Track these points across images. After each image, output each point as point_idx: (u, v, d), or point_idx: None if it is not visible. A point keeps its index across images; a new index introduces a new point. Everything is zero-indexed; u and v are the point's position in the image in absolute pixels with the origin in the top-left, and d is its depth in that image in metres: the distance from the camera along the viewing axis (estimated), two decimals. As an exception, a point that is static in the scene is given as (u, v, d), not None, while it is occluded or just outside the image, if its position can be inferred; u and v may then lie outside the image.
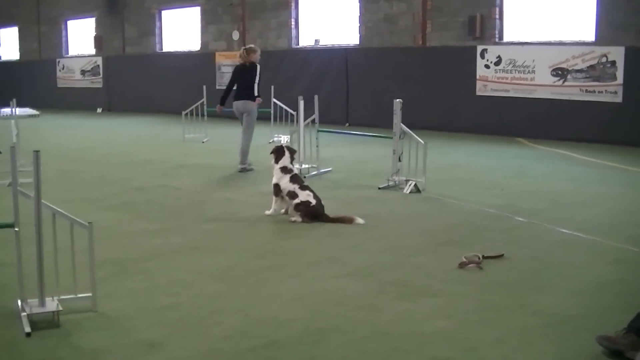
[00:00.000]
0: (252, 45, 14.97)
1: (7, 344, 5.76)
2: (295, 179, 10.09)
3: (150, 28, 28.93)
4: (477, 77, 19.51)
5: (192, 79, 24.74)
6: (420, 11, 20.81)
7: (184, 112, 19.08)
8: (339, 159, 14.68)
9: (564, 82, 18.20)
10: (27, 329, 5.90)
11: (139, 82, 28.68)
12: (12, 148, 6.11)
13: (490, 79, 19.39)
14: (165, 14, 28.68)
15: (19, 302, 6.28)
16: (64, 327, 6.05)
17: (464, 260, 7.51)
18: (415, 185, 11.46)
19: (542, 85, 18.55)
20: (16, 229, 6.07)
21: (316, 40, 23.85)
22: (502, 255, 7.85)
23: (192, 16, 27.56)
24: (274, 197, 10.12)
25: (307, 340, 5.69)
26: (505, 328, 5.88)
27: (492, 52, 19.35)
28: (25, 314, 6.09)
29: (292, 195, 9.83)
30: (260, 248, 8.49)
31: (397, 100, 11.80)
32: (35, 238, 6.04)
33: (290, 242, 8.75)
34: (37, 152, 5.87)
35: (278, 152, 10.44)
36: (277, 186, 10.07)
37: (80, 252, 6.31)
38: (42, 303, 6.17)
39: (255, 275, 7.42)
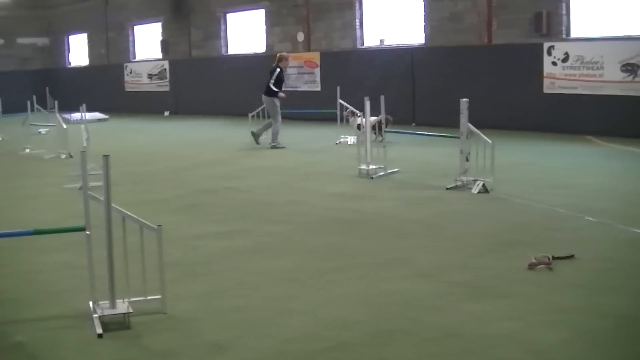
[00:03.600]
0: (281, 53, 19.13)
1: (79, 345, 5.87)
2: None
3: (215, 31, 29.17)
4: (544, 74, 19.22)
5: (257, 81, 24.86)
6: (485, 9, 20.60)
7: (250, 114, 19.18)
8: (406, 159, 14.59)
9: (634, 77, 17.81)
10: (99, 331, 6.00)
11: (205, 85, 28.92)
12: (83, 152, 6.22)
13: (557, 76, 19.08)
14: (230, 16, 28.89)
15: (91, 304, 6.38)
16: (134, 328, 6.13)
17: (534, 261, 7.40)
18: (483, 185, 11.34)
19: (611, 81, 18.17)
20: (87, 232, 6.17)
21: (381, 40, 23.78)
22: (573, 255, 7.71)
23: (256, 18, 27.72)
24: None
25: (375, 342, 5.67)
26: (574, 330, 5.77)
27: (559, 48, 19.04)
28: (96, 315, 6.19)
29: None
30: (326, 249, 8.49)
31: (464, 99, 11.69)
32: (106, 241, 6.12)
33: (357, 243, 8.72)
34: (106, 156, 5.96)
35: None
36: None
37: (150, 255, 6.39)
38: (113, 305, 6.26)
39: (322, 276, 7.42)
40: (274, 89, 17.95)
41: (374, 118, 14.47)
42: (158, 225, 6.27)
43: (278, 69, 18.13)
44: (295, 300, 6.72)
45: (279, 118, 17.99)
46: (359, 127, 15.61)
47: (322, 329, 5.96)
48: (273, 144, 17.85)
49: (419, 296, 6.68)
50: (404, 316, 6.18)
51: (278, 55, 18.74)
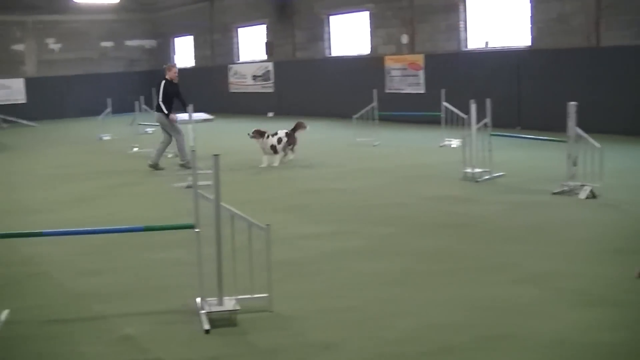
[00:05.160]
0: (167, 64, 17.24)
1: (187, 340, 5.99)
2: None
3: (319, 33, 29.31)
4: (657, 77, 18.66)
5: (361, 83, 24.89)
6: (593, 9, 20.12)
7: (354, 116, 19.20)
8: (512, 163, 14.37)
9: None
10: (206, 326, 6.11)
11: (308, 86, 29.10)
12: (192, 152, 6.33)
13: (669, 80, 18.51)
14: (334, 19, 28.99)
15: (198, 300, 6.50)
16: (240, 325, 6.22)
17: (644, 269, 7.20)
18: (591, 190, 11.07)
19: None
20: (197, 230, 6.28)
21: (486, 43, 23.49)
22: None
23: (360, 20, 27.75)
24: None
25: (480, 347, 5.61)
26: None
27: (672, 51, 18.47)
28: (204, 311, 6.31)
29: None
30: (433, 252, 8.44)
31: (572, 103, 11.44)
32: (215, 239, 6.23)
33: (463, 247, 8.64)
34: (216, 155, 6.05)
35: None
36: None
37: (257, 253, 6.46)
38: (221, 302, 6.37)
39: (428, 279, 7.39)
40: (162, 107, 15.88)
41: (282, 132, 15.59)
42: (266, 225, 6.34)
43: (163, 82, 16.17)
44: (400, 302, 6.71)
45: (180, 131, 16.03)
46: (272, 148, 15.54)
47: (428, 332, 5.93)
48: (183, 162, 15.92)
49: (526, 302, 6.58)
50: (510, 322, 6.10)
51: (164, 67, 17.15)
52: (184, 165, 15.61)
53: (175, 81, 16.47)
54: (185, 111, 15.12)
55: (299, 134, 16.13)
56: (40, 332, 6.40)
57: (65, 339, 6.21)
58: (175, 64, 17.19)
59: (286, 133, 15.64)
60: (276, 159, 15.40)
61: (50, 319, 6.71)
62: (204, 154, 8.43)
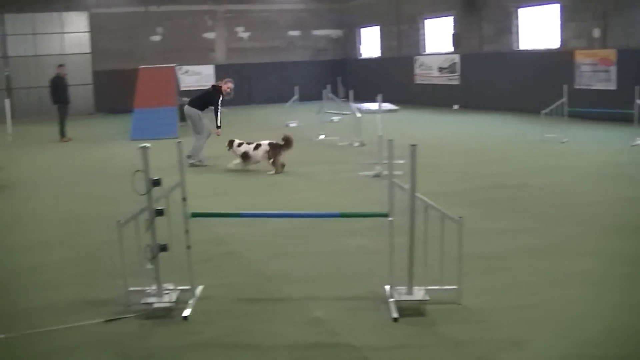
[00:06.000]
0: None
1: (375, 326, 6.10)
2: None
3: (507, 26, 28.79)
4: None
5: (549, 78, 24.32)
6: None
7: (543, 112, 18.77)
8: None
9: None
10: (395, 315, 6.19)
11: (495, 79, 28.65)
12: (390, 141, 6.40)
13: None
14: (522, 11, 28.42)
15: (387, 288, 6.59)
16: (428, 316, 6.27)
17: None
18: None
19: None
20: (390, 219, 6.36)
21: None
22: None
23: (550, 13, 27.08)
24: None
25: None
26: None
27: None
28: (392, 300, 6.39)
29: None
30: (626, 255, 8.15)
31: None
32: (409, 228, 6.29)
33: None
34: (413, 145, 6.10)
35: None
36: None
37: (446, 245, 6.47)
38: (410, 291, 6.43)
39: (619, 282, 7.19)
40: (218, 119, 16.16)
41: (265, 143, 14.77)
42: (459, 217, 6.34)
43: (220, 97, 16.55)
44: (591, 303, 6.57)
45: (205, 132, 16.47)
46: (244, 155, 14.96)
47: (619, 336, 5.78)
48: (192, 160, 16.07)
49: None
50: None
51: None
52: (193, 164, 15.88)
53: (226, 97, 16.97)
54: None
55: (284, 153, 14.86)
56: (232, 309, 6.69)
57: (256, 317, 6.46)
58: (231, 80, 17.63)
59: (269, 144, 14.79)
60: (238, 163, 15.13)
61: (242, 297, 7.00)
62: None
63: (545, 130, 18.20)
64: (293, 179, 13.83)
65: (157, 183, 6.44)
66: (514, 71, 27.72)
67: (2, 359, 5.73)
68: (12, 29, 34.43)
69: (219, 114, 16.21)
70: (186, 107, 16.82)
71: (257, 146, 14.80)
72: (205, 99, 16.69)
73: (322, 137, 19.86)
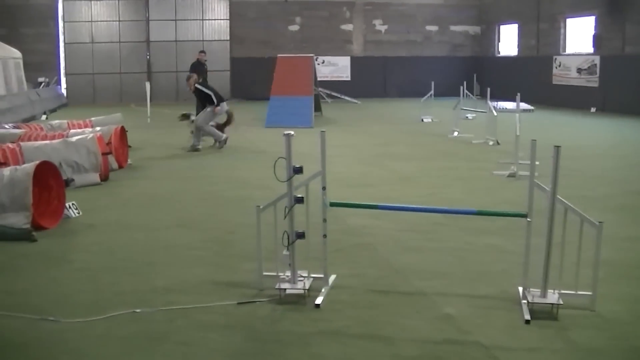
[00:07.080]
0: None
1: (506, 327, 6.06)
2: None
3: (653, 28, 27.95)
4: None
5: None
6: None
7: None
8: None
9: None
10: (527, 317, 6.14)
11: (636, 83, 27.79)
12: (533, 141, 6.36)
13: None
14: (671, 14, 27.49)
15: (520, 290, 6.54)
16: (561, 320, 6.18)
17: None
18: None
19: None
20: (529, 220, 6.31)
21: None
22: None
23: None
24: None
25: None
26: None
27: None
28: (525, 301, 6.34)
29: None
30: None
31: None
32: (547, 230, 6.21)
33: None
34: (557, 147, 6.03)
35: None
36: None
37: (582, 250, 6.36)
38: (544, 294, 6.36)
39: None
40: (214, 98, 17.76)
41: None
42: (599, 222, 6.23)
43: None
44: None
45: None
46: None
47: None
48: (195, 143, 17.45)
49: None
50: None
51: None
52: (194, 147, 17.29)
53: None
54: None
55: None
56: (363, 299, 6.76)
57: (386, 309, 6.51)
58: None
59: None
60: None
61: (373, 289, 7.06)
62: (526, 144, 8.30)
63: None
64: (427, 174, 13.81)
65: (298, 171, 6.57)
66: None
67: (136, 332, 5.97)
68: (157, 15, 35.55)
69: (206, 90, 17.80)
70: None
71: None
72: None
73: (455, 134, 19.74)
